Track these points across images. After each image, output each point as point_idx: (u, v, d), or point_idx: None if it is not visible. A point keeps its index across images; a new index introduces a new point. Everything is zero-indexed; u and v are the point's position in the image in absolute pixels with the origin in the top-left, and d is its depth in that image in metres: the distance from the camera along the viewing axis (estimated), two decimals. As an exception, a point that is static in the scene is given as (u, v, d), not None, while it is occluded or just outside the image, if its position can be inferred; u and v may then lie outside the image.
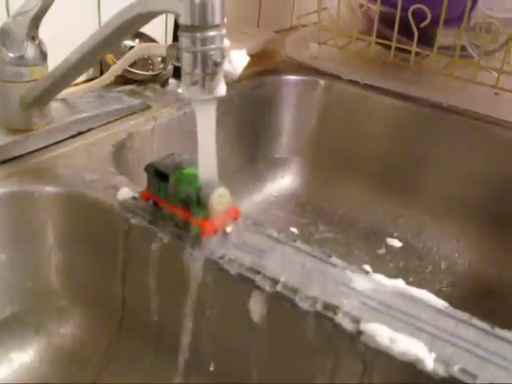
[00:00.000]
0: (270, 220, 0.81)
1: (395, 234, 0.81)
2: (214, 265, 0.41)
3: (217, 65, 0.38)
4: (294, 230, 0.80)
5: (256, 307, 0.40)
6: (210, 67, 0.38)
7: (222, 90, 0.39)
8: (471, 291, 0.73)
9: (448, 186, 0.79)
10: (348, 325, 0.36)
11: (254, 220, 0.45)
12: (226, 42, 0.39)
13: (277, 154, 0.88)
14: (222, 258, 0.41)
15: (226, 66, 0.39)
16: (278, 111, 0.85)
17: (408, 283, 0.40)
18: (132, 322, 0.53)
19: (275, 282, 0.39)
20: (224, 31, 0.38)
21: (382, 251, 0.78)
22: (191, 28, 0.38)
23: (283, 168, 0.88)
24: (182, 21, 0.38)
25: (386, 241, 0.79)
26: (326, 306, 0.38)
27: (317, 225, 0.82)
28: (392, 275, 0.40)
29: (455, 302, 0.38)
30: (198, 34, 0.38)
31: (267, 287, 0.39)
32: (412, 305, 0.38)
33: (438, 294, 0.38)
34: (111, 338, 0.55)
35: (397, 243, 0.79)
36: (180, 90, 0.70)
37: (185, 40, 0.39)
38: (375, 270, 0.41)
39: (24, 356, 0.54)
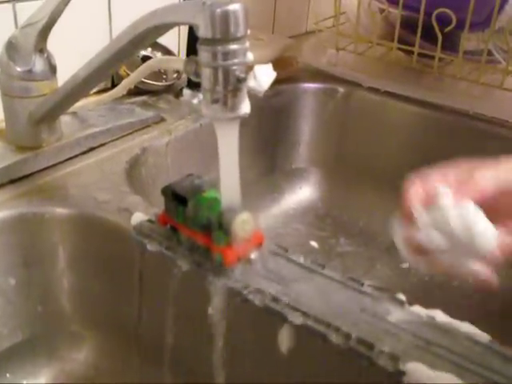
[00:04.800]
0: (289, 234, 0.78)
1: (419, 247, 0.78)
2: (237, 295, 0.39)
3: (240, 81, 0.35)
4: (313, 243, 0.77)
5: (284, 341, 0.38)
6: (232, 83, 0.35)
7: (245, 108, 0.36)
8: (500, 307, 0.70)
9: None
10: (386, 363, 0.34)
11: (279, 243, 0.43)
12: (250, 56, 0.36)
13: (294, 164, 0.86)
14: (246, 288, 0.39)
15: (251, 83, 0.35)
16: (295, 120, 0.83)
17: (434, 298, 0.37)
18: (147, 348, 0.51)
19: (304, 314, 0.37)
20: (247, 44, 0.35)
21: (405, 265, 0.75)
22: (212, 41, 0.35)
23: (301, 179, 0.86)
24: (202, 33, 0.35)
25: (409, 254, 0.77)
26: (361, 342, 0.35)
27: (337, 238, 0.79)
28: (417, 290, 0.38)
29: (484, 318, 0.36)
30: (219, 48, 0.35)
31: (296, 320, 0.37)
32: (453, 340, 0.35)
33: (466, 310, 0.36)
34: (125, 363, 0.53)
35: (421, 257, 0.76)
36: (195, 101, 0.67)
37: (205, 54, 0.36)
38: (399, 286, 0.39)
39: (37, 384, 0.53)
